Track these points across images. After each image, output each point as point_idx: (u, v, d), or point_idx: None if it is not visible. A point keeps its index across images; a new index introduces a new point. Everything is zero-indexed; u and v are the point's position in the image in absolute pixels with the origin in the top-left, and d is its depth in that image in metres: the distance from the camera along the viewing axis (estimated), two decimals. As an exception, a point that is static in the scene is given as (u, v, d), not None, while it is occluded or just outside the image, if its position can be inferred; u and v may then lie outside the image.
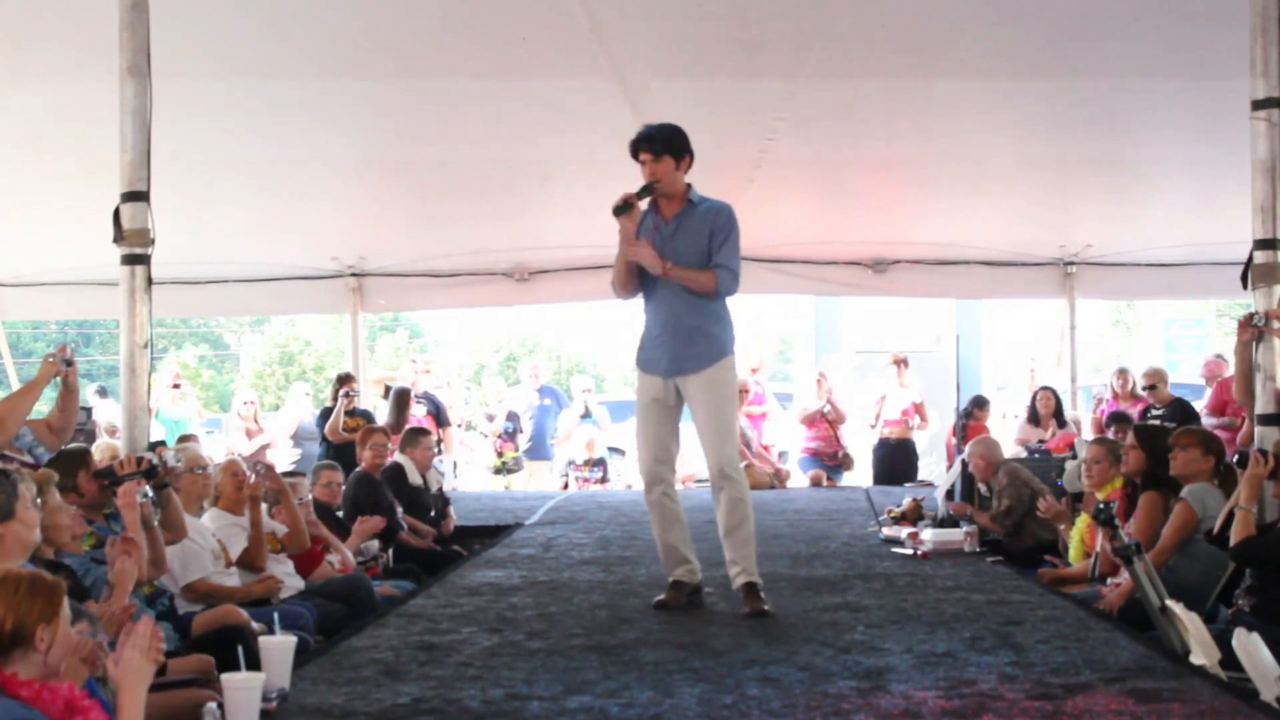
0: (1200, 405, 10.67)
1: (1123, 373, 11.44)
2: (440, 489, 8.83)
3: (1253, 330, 5.86)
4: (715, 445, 5.34)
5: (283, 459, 11.13)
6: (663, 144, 5.38)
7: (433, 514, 8.41)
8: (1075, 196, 10.35)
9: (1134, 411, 10.43)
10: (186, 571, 5.50)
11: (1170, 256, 11.41)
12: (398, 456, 8.43)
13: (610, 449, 12.93)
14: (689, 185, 5.51)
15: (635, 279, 5.53)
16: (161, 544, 5.03)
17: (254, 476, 6.24)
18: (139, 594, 4.88)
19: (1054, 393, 11.55)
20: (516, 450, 12.58)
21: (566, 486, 12.10)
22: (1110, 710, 3.65)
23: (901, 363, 12.27)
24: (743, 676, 4.13)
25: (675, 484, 5.55)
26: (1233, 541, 5.03)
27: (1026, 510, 7.37)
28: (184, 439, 9.99)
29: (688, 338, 5.39)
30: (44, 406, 6.19)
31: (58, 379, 5.87)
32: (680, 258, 5.40)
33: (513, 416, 12.73)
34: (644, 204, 5.53)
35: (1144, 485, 5.98)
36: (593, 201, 10.26)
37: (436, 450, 9.47)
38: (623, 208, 5.40)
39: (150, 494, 4.96)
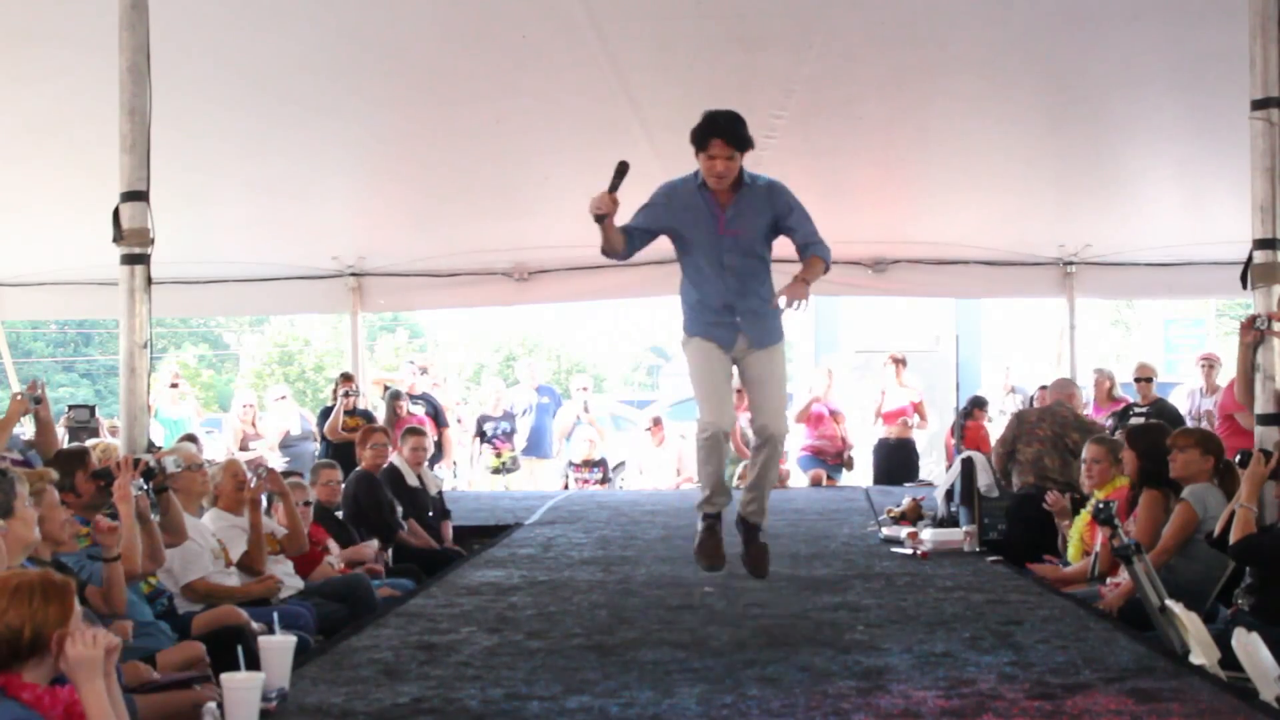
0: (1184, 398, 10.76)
1: (1103, 374, 11.44)
2: (440, 493, 8.82)
3: (1255, 333, 5.85)
4: (772, 411, 5.65)
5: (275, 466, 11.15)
6: (739, 137, 5.30)
7: (430, 515, 8.40)
8: (1074, 196, 10.35)
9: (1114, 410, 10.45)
10: (186, 571, 5.51)
11: (1170, 256, 11.40)
12: (393, 458, 8.43)
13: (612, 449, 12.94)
14: (741, 167, 5.47)
15: (627, 243, 5.54)
16: (158, 536, 5.04)
17: (255, 480, 6.24)
18: (138, 591, 4.89)
19: (1053, 393, 11.54)
20: (514, 450, 12.58)
21: (566, 487, 12.10)
22: (1110, 710, 3.65)
23: (899, 362, 12.27)
24: (743, 676, 4.13)
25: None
26: (1233, 539, 5.02)
27: (1012, 447, 7.67)
28: (184, 439, 10.00)
29: (761, 317, 5.56)
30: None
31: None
32: (746, 238, 5.46)
33: (508, 416, 12.74)
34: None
35: (1143, 484, 5.99)
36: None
37: (432, 450, 9.46)
38: (602, 218, 5.35)
39: (145, 486, 4.96)
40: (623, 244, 5.50)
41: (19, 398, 5.91)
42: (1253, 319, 5.85)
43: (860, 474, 12.62)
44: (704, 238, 5.45)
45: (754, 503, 5.86)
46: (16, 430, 6.47)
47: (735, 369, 5.74)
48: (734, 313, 5.49)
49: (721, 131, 5.26)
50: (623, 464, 13.05)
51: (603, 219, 5.33)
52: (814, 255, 5.47)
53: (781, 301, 5.43)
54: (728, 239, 5.41)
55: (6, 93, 7.64)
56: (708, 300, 5.53)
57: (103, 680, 2.86)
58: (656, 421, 12.65)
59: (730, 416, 5.75)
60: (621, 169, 5.28)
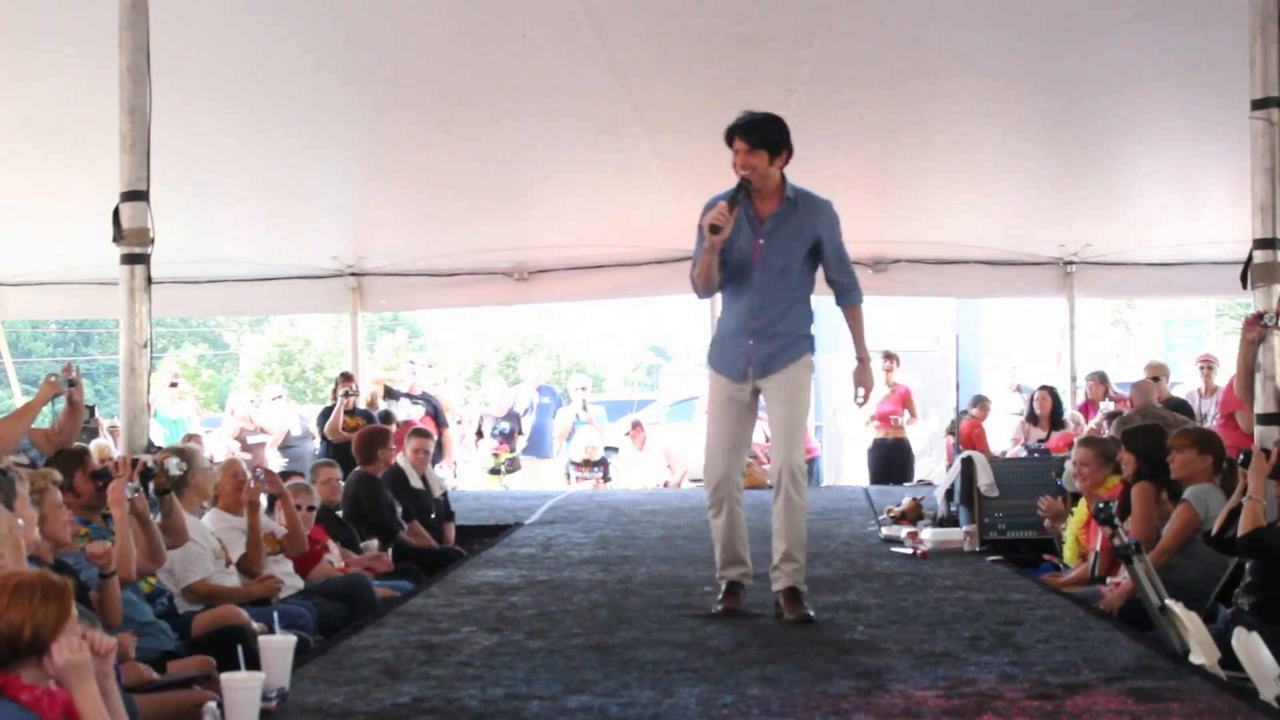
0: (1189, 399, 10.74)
1: (1097, 376, 11.44)
2: (445, 494, 8.81)
3: (1260, 330, 5.84)
4: (785, 447, 5.14)
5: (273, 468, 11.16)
6: (759, 135, 5.10)
7: (434, 516, 8.40)
8: (1074, 195, 10.36)
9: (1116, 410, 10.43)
10: (187, 573, 5.50)
11: (1170, 256, 11.42)
12: (398, 459, 8.41)
13: (608, 448, 12.97)
14: (784, 178, 5.25)
15: (719, 276, 5.22)
16: (157, 535, 5.01)
17: (254, 481, 6.23)
18: (138, 590, 4.88)
19: (1052, 392, 11.54)
20: (513, 451, 12.59)
21: (570, 484, 12.15)
22: (1110, 710, 3.65)
23: (891, 359, 12.19)
24: (743, 676, 4.13)
25: (741, 486, 5.34)
26: (1241, 531, 5.00)
27: None
28: (188, 439, 10.00)
29: (772, 340, 5.18)
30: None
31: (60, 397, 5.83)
32: (779, 258, 5.16)
33: (511, 417, 12.75)
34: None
35: (1135, 480, 5.99)
36: (593, 201, 10.34)
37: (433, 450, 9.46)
38: (716, 229, 5.05)
39: (140, 488, 4.95)
40: (719, 273, 5.18)
41: (53, 380, 5.79)
42: (1259, 315, 5.83)
43: (857, 474, 12.61)
44: (739, 248, 5.17)
45: (781, 568, 5.15)
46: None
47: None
48: (746, 334, 5.17)
49: (736, 128, 5.14)
50: (616, 450, 13.14)
51: (718, 230, 5.03)
52: (852, 305, 5.32)
53: (859, 395, 5.27)
54: (761, 251, 5.15)
55: (7, 92, 7.64)
56: (729, 320, 5.27)
57: (94, 683, 2.86)
58: (635, 425, 12.74)
59: (736, 464, 5.25)
60: (745, 184, 5.11)
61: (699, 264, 5.18)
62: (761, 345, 5.17)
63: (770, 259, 5.16)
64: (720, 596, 5.29)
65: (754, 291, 5.18)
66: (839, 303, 5.38)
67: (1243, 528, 4.99)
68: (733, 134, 5.14)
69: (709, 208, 5.17)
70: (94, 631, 3.03)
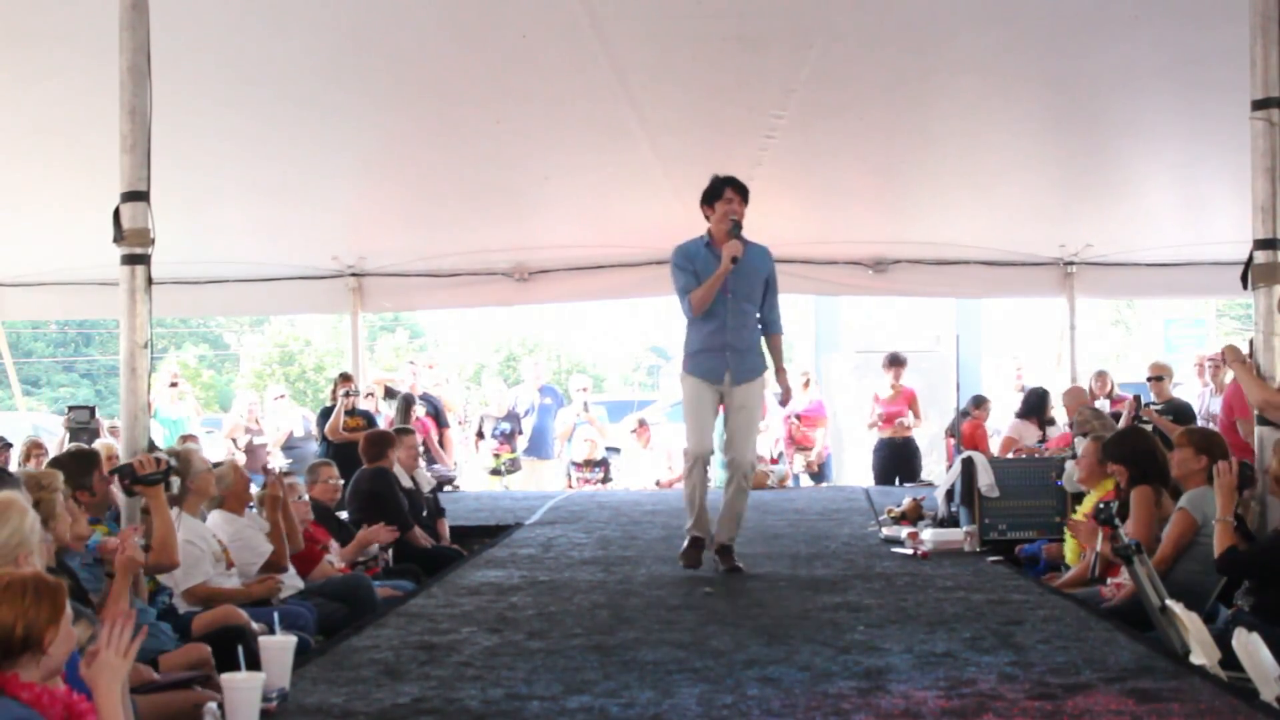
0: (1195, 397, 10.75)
1: (1101, 375, 11.43)
2: (434, 492, 8.81)
3: (1227, 366, 6.02)
4: (743, 447, 6.58)
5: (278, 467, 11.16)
6: (745, 191, 6.54)
7: (425, 514, 8.39)
8: (1075, 196, 10.34)
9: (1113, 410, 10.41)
10: (187, 576, 5.50)
11: (1170, 256, 11.40)
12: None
13: (609, 449, 12.96)
14: None
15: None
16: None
17: (269, 478, 6.25)
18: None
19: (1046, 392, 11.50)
20: (514, 451, 12.59)
21: (571, 486, 12.13)
22: (1110, 710, 3.66)
23: (890, 363, 12.15)
24: (743, 676, 4.14)
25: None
26: (1216, 553, 5.06)
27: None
28: (185, 439, 10.00)
29: (746, 354, 6.56)
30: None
31: None
32: (745, 288, 6.52)
33: (511, 417, 12.75)
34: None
35: (1132, 484, 5.97)
36: (593, 201, 10.33)
37: (421, 450, 9.47)
38: (738, 259, 6.39)
39: (147, 544, 4.91)
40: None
41: None
42: (1221, 354, 6.02)
43: (857, 474, 12.58)
44: (711, 279, 6.44)
45: (725, 531, 6.60)
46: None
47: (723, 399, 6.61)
48: (724, 350, 6.48)
49: (731, 181, 6.51)
50: (618, 450, 13.15)
51: (738, 260, 6.39)
52: (777, 334, 6.72)
53: (780, 397, 6.85)
54: (730, 284, 6.45)
55: (7, 93, 7.63)
56: (706, 337, 6.51)
57: (119, 690, 2.89)
58: (641, 424, 12.72)
59: (710, 444, 6.60)
60: (738, 225, 6.45)
61: (705, 289, 6.46)
62: (738, 357, 6.52)
63: (738, 289, 6.52)
64: (684, 546, 6.56)
65: (727, 315, 6.50)
66: (766, 332, 6.68)
67: (1216, 549, 5.05)
68: (729, 184, 6.52)
69: (681, 253, 6.55)
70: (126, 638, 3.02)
